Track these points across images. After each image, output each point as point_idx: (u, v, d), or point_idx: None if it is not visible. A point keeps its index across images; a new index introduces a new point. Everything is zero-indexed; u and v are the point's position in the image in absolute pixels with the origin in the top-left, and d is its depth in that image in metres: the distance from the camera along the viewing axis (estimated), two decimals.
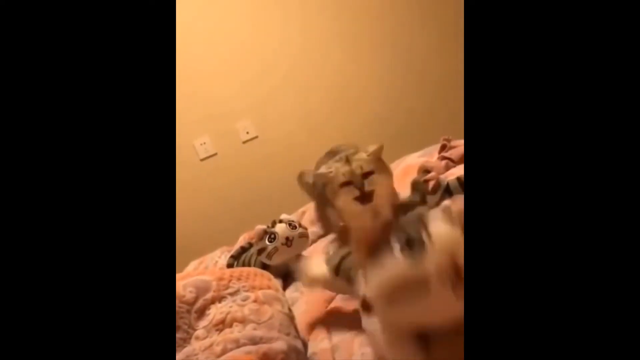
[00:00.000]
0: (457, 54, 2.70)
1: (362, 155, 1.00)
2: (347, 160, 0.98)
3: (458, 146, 1.51)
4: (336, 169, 0.97)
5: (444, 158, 1.49)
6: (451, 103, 2.64)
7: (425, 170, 1.33)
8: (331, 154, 1.10)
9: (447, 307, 0.54)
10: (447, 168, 1.43)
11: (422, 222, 0.59)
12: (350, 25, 2.60)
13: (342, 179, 0.96)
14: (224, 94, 2.52)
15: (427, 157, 1.74)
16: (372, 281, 0.60)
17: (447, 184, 1.18)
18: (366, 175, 0.96)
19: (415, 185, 1.21)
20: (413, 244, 0.57)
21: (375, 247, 0.62)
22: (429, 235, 0.57)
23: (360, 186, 0.95)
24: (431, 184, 1.17)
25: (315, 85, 2.60)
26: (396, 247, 0.58)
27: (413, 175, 1.41)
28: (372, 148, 1.02)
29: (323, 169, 1.01)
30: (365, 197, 0.95)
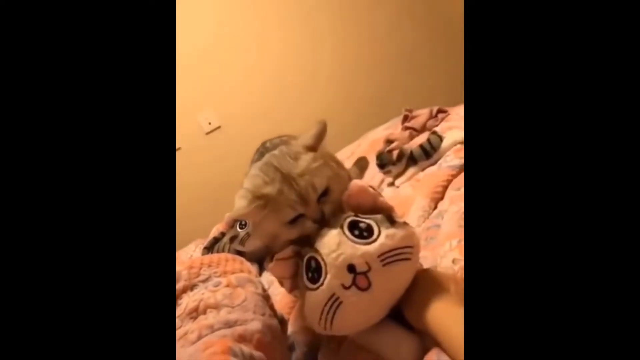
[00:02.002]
0: (413, 27, 2.72)
1: (305, 159, 0.63)
2: (287, 180, 0.62)
3: (419, 115, 1.53)
4: (274, 199, 0.61)
5: (407, 128, 1.51)
6: (411, 75, 2.66)
7: (389, 141, 1.34)
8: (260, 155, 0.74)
9: (363, 303, 0.55)
10: (411, 137, 1.44)
11: (314, 248, 0.58)
12: (306, 7, 2.57)
13: (289, 214, 0.62)
14: (182, 86, 2.46)
15: (392, 129, 1.76)
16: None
17: (411, 152, 1.20)
18: (323, 195, 0.64)
19: (380, 156, 1.22)
20: (311, 268, 0.57)
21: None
22: (319, 255, 0.57)
23: (320, 219, 0.62)
24: (395, 153, 1.18)
25: (274, 70, 2.57)
26: (304, 275, 0.59)
27: (379, 148, 1.42)
28: (310, 136, 0.66)
29: (243, 203, 0.63)
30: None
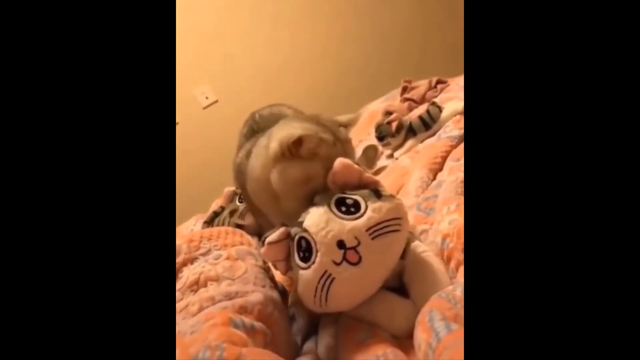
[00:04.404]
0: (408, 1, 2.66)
1: (343, 131, 0.75)
2: (335, 136, 0.70)
3: (418, 86, 1.51)
4: (332, 145, 0.68)
5: (406, 100, 1.49)
6: (410, 46, 2.62)
7: (388, 112, 1.32)
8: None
9: (356, 277, 0.55)
10: (410, 109, 1.43)
11: (303, 228, 0.59)
12: None
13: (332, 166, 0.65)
14: (180, 61, 2.43)
15: (391, 100, 1.74)
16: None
17: (410, 124, 1.19)
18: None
19: (379, 128, 1.21)
20: (301, 248, 0.58)
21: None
22: (309, 234, 0.57)
23: None
24: (394, 125, 1.17)
25: (270, 44, 2.53)
26: (295, 256, 0.59)
27: (378, 120, 1.40)
28: (346, 119, 0.79)
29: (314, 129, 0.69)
30: None
